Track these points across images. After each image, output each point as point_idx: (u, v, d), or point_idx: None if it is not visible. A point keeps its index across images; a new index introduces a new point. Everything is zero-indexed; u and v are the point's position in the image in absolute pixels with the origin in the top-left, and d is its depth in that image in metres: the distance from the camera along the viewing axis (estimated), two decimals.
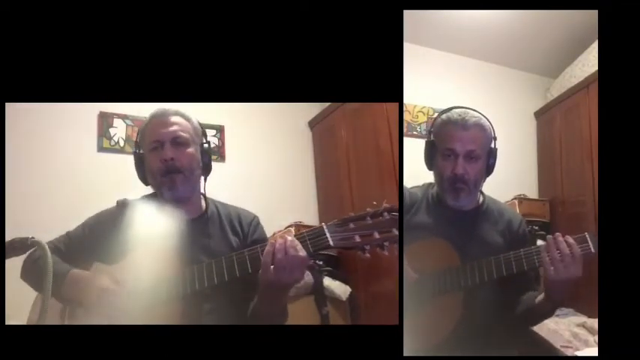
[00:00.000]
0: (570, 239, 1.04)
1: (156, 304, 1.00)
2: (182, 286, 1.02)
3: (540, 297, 1.14)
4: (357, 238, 0.97)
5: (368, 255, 0.97)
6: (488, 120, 1.25)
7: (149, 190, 1.24)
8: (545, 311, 1.17)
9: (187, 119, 1.22)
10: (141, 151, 1.22)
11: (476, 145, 1.19)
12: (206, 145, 1.23)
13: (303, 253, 0.96)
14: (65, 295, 1.04)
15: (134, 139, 1.30)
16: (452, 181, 1.19)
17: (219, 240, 1.17)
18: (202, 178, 1.24)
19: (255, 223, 1.24)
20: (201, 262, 1.05)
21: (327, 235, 0.97)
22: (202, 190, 1.25)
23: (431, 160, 1.28)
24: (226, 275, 1.01)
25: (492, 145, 1.25)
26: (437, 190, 1.29)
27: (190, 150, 1.18)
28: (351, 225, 0.98)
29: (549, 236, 1.07)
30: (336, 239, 0.97)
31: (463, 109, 1.24)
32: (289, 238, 0.97)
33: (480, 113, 1.25)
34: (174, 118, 1.19)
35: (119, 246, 1.08)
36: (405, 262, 1.14)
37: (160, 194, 1.18)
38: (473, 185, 1.20)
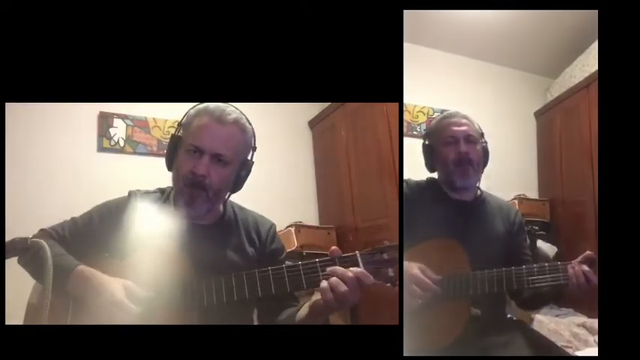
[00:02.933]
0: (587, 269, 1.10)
1: (168, 316, 0.95)
2: (207, 297, 0.97)
3: None
4: (391, 272, 0.92)
5: (397, 288, 0.93)
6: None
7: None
8: (551, 296, 1.23)
9: (243, 131, 1.08)
10: (180, 134, 1.09)
11: (472, 131, 1.31)
12: (249, 158, 1.12)
13: (368, 281, 0.89)
14: (71, 291, 0.98)
15: (134, 139, 1.28)
16: (457, 161, 1.27)
17: (235, 249, 1.11)
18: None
19: (272, 231, 1.18)
20: (216, 270, 0.99)
21: (361, 265, 0.91)
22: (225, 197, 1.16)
23: (432, 161, 1.35)
24: (247, 293, 0.96)
25: (482, 140, 1.33)
26: (441, 180, 1.34)
27: (228, 170, 1.06)
28: (385, 256, 0.93)
29: (577, 267, 1.12)
30: (369, 270, 0.90)
31: (452, 111, 1.37)
32: (350, 275, 0.88)
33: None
34: (228, 129, 1.06)
35: (130, 241, 1.01)
36: (424, 272, 1.12)
37: (175, 200, 1.10)
38: (476, 164, 1.29)
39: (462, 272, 1.16)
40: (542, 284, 1.14)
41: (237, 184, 1.12)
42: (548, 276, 1.13)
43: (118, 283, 0.96)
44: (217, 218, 1.14)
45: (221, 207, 1.16)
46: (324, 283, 0.88)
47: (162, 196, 1.16)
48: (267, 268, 0.96)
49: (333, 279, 0.88)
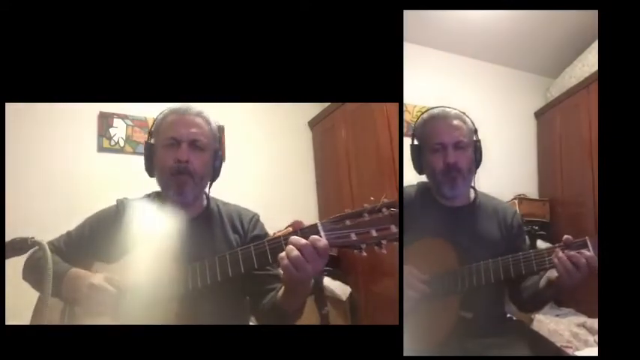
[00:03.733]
0: (578, 255, 1.04)
1: (154, 304, 0.98)
2: (183, 284, 1.00)
3: (543, 281, 1.15)
4: (353, 236, 0.92)
5: (364, 254, 0.92)
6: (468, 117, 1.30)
7: (149, 189, 1.24)
8: (550, 294, 1.18)
9: (208, 123, 1.19)
10: (153, 141, 1.19)
11: (462, 135, 1.24)
12: (219, 151, 1.22)
13: (322, 244, 0.89)
14: (65, 294, 1.04)
15: (134, 139, 1.30)
16: (446, 171, 1.22)
17: (219, 239, 1.16)
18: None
19: (255, 220, 1.23)
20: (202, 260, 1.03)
21: (322, 233, 0.92)
22: (206, 190, 1.23)
23: (420, 162, 1.30)
24: (219, 275, 0.99)
25: (475, 139, 1.28)
26: (431, 187, 1.31)
27: (206, 155, 1.16)
28: (347, 222, 0.93)
29: (559, 253, 1.07)
30: (331, 237, 0.91)
31: (441, 108, 1.30)
32: (303, 242, 0.90)
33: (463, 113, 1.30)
34: (196, 119, 1.17)
35: (119, 245, 1.07)
36: (412, 273, 1.12)
37: (165, 194, 1.17)
38: (466, 172, 1.24)
39: (450, 269, 1.15)
40: (530, 271, 1.12)
41: (215, 172, 1.21)
42: (533, 262, 1.11)
43: (98, 274, 1.04)
44: (201, 211, 1.21)
45: (204, 200, 1.22)
46: (281, 254, 0.91)
47: (149, 199, 1.21)
48: (237, 249, 1.00)
49: (288, 246, 0.90)
